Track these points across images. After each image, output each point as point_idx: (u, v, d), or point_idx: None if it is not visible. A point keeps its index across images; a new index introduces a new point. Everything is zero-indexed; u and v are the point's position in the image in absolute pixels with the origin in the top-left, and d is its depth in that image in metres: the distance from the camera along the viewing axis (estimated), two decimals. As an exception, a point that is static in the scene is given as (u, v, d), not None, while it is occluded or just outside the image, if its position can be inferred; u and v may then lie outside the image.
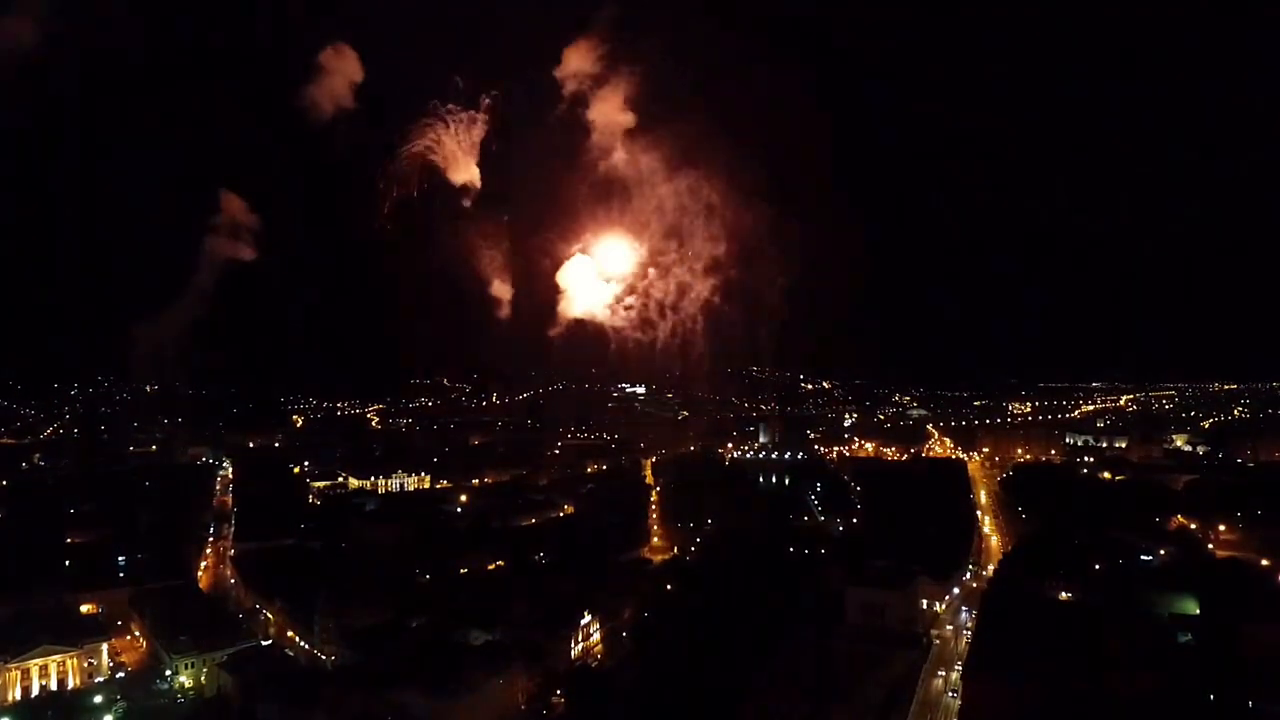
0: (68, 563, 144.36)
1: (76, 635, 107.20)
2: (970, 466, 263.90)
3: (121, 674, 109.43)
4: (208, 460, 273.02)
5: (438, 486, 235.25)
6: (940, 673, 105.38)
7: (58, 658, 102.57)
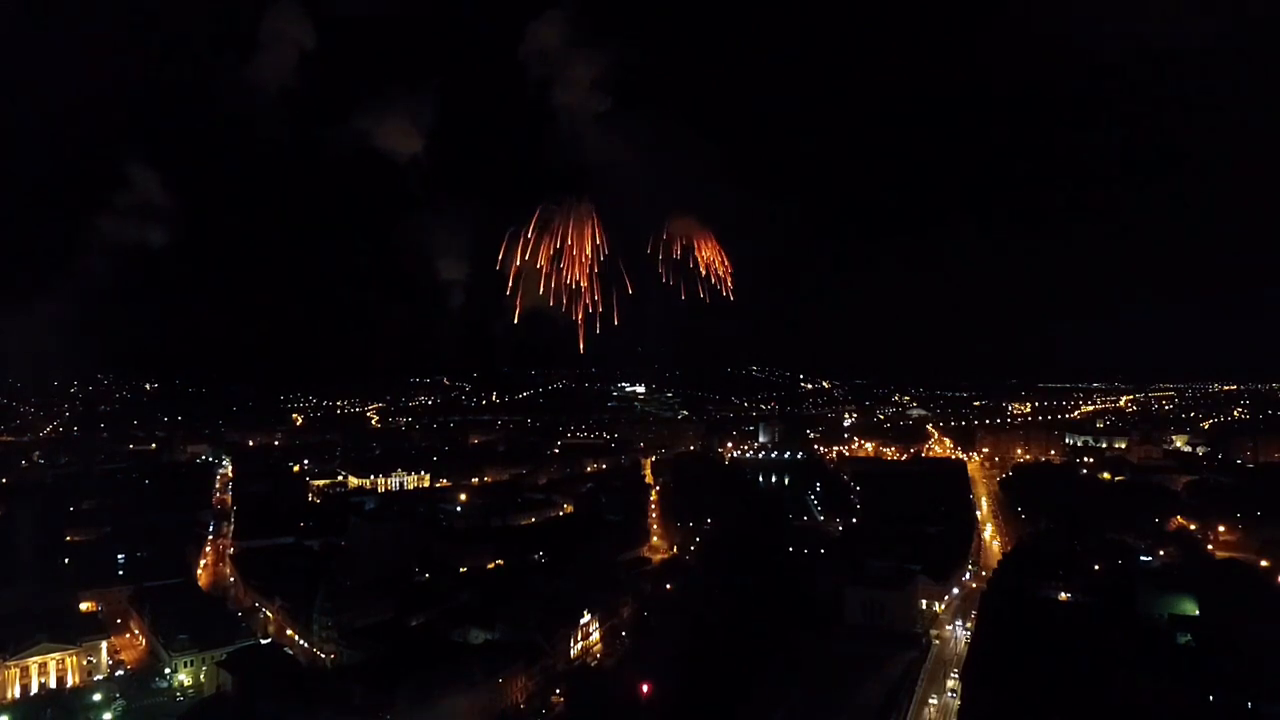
0: (67, 561, 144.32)
1: (76, 633, 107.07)
2: (970, 467, 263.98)
3: (121, 672, 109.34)
4: (207, 458, 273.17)
5: (437, 485, 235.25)
6: (940, 673, 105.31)
7: (57, 656, 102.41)
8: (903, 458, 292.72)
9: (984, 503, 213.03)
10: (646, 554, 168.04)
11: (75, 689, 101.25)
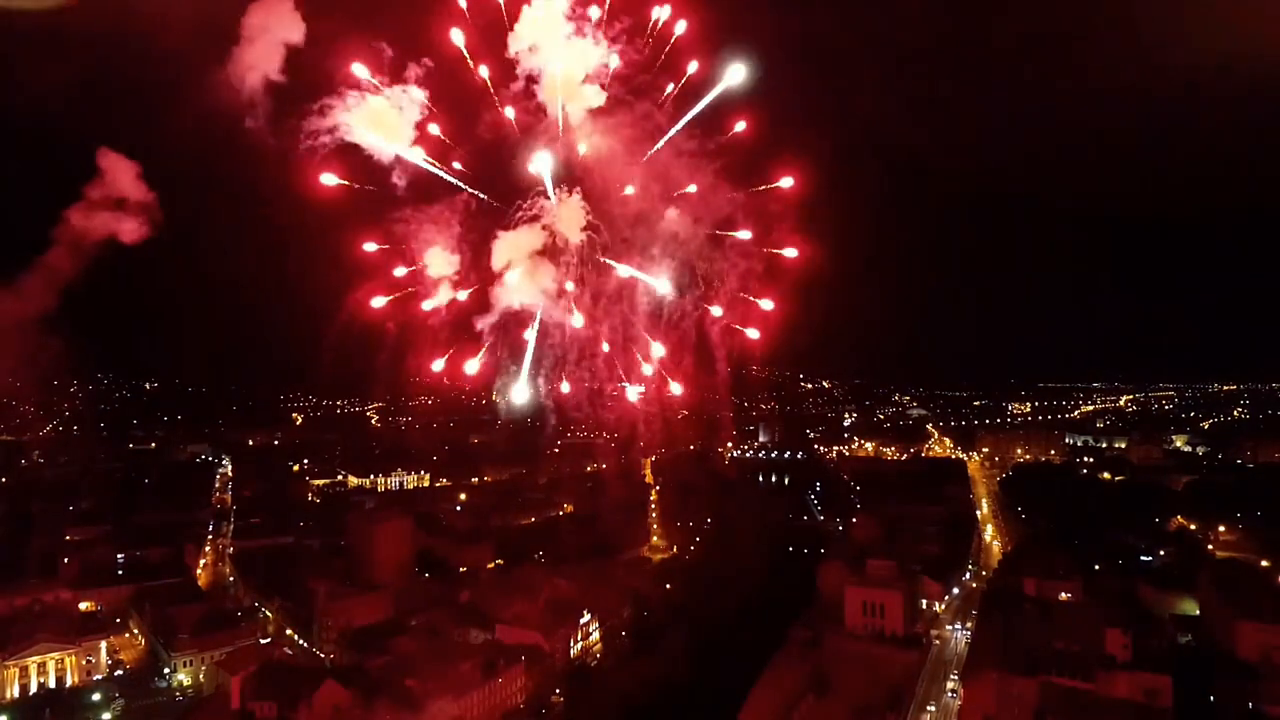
0: (67, 560, 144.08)
1: (75, 633, 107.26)
2: (970, 466, 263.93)
3: (120, 671, 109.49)
4: (207, 458, 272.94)
5: (437, 485, 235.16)
6: (940, 673, 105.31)
7: (56, 655, 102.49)
8: (903, 458, 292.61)
9: (984, 503, 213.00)
10: (646, 554, 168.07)
11: (75, 688, 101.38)
